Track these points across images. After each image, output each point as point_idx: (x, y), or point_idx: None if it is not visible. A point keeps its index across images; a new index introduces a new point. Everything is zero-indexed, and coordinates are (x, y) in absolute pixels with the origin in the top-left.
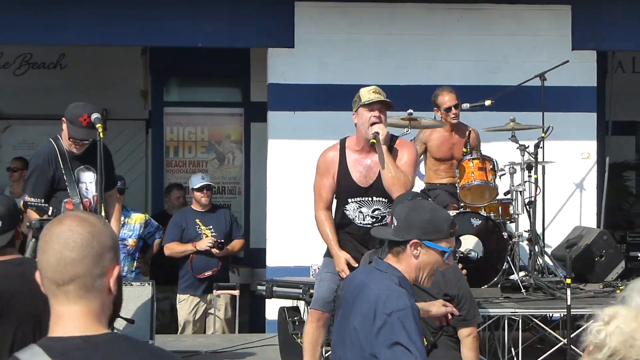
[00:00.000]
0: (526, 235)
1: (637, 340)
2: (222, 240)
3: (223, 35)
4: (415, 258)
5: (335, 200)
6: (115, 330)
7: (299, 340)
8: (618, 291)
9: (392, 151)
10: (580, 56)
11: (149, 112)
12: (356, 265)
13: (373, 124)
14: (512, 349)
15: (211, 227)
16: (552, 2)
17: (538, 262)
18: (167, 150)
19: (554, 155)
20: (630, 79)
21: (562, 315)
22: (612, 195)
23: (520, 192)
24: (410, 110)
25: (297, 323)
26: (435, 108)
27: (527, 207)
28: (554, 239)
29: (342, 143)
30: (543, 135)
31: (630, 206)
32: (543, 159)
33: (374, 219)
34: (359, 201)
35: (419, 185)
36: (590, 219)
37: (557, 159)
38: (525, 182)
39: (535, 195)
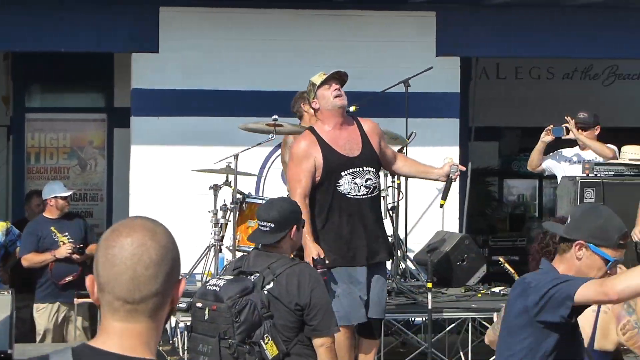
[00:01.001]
0: (389, 239)
1: None
2: (82, 245)
3: (87, 40)
4: (578, 260)
5: (322, 184)
6: None
7: (160, 348)
8: (479, 295)
9: (362, 129)
10: (444, 62)
11: (10, 118)
12: (327, 262)
13: (337, 96)
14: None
15: (67, 234)
16: (416, 8)
17: (401, 267)
18: (28, 157)
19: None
20: (494, 85)
21: (423, 319)
22: (475, 200)
23: (384, 197)
24: (275, 116)
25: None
26: (302, 104)
27: (390, 212)
28: (416, 243)
29: (312, 129)
30: (407, 141)
31: (492, 211)
32: None
33: (368, 189)
34: (352, 172)
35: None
36: (452, 224)
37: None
38: (389, 187)
39: (398, 200)
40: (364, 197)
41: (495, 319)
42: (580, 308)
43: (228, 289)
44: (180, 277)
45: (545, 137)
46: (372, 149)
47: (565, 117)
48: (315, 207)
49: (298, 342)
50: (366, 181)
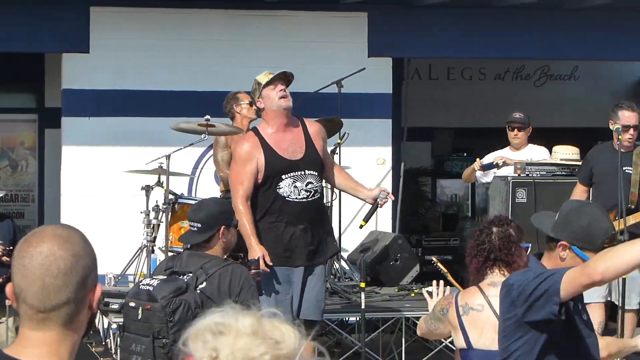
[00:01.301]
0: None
1: (253, 354)
2: (11, 248)
3: (17, 40)
4: (561, 260)
5: (263, 186)
6: None
7: (93, 349)
8: (413, 294)
9: (307, 132)
10: (376, 63)
11: None
12: (271, 263)
13: (282, 97)
14: None
15: None
16: (348, 9)
17: (334, 267)
18: None
19: (350, 161)
20: (426, 86)
21: (357, 319)
22: (408, 200)
23: None
24: (208, 117)
25: (91, 332)
26: (234, 105)
27: None
28: (350, 243)
29: (255, 131)
30: (339, 141)
31: (426, 211)
32: (340, 165)
33: (308, 193)
34: (293, 176)
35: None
36: (386, 224)
37: (353, 164)
38: (322, 187)
39: (332, 200)
40: (304, 200)
41: (430, 308)
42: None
43: (162, 288)
44: (98, 284)
45: (476, 168)
46: (316, 152)
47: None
48: (257, 209)
49: None
50: (307, 185)
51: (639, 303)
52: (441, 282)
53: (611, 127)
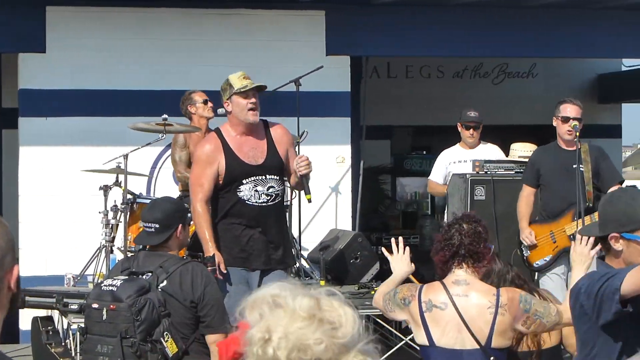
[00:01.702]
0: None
1: (307, 341)
2: None
3: None
4: (619, 254)
5: (223, 189)
6: None
7: (52, 350)
8: (373, 292)
9: (270, 136)
10: (334, 61)
11: None
12: (225, 271)
13: (251, 109)
14: None
15: None
16: (306, 7)
17: (294, 266)
18: None
19: (310, 160)
20: (385, 84)
21: None
22: (368, 198)
23: None
24: (165, 116)
25: (50, 333)
26: (189, 105)
27: None
28: (310, 242)
29: (218, 132)
30: (298, 140)
31: (385, 209)
32: None
33: (269, 197)
34: (254, 180)
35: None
36: (346, 222)
37: (313, 163)
38: (284, 191)
39: (291, 199)
40: (264, 204)
41: (391, 265)
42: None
43: (125, 288)
44: (15, 265)
45: None
46: (278, 157)
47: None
48: (217, 211)
49: (195, 339)
50: (268, 189)
51: None
52: (400, 238)
53: (554, 122)
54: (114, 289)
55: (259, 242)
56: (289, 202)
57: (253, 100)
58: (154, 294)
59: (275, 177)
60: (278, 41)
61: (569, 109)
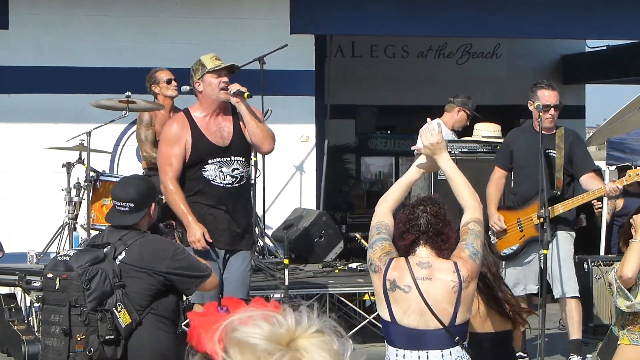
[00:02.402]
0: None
1: None
2: None
3: None
4: None
5: (189, 168)
6: None
7: (15, 328)
8: (337, 270)
9: (237, 119)
10: (298, 40)
11: None
12: (211, 240)
13: (223, 89)
14: None
15: None
16: None
17: (259, 244)
18: None
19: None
20: (349, 63)
21: (281, 295)
22: (333, 177)
23: None
24: (128, 93)
25: (13, 310)
26: (153, 85)
27: None
28: (274, 220)
29: (186, 112)
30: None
31: (350, 188)
32: None
33: (234, 178)
34: (219, 161)
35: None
36: (310, 201)
37: (276, 142)
38: (250, 173)
39: (255, 178)
40: (228, 185)
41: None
42: None
43: (78, 258)
44: None
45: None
46: (244, 140)
47: None
48: (183, 190)
49: (152, 311)
50: (233, 171)
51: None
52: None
53: (530, 107)
54: (67, 258)
55: (223, 222)
56: (253, 181)
57: (225, 79)
58: (109, 265)
59: (241, 159)
60: (241, 19)
61: (547, 95)
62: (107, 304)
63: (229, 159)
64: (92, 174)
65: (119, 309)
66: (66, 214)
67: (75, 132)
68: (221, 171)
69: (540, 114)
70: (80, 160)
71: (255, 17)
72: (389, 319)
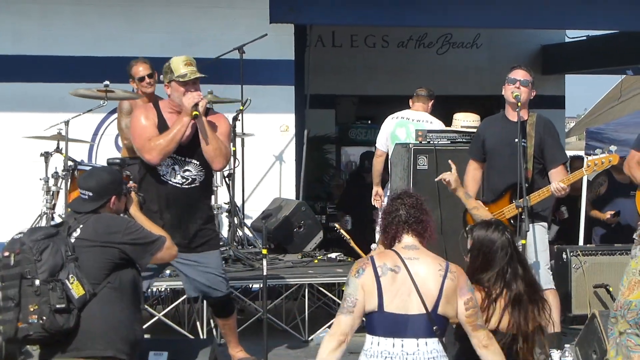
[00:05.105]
0: (226, 207)
1: None
2: None
3: None
4: None
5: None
6: None
7: None
8: (316, 261)
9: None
10: (278, 29)
11: None
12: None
13: (186, 92)
14: (212, 321)
15: None
16: None
17: (238, 234)
18: None
19: (252, 128)
20: (330, 53)
21: (260, 286)
22: (312, 167)
23: None
24: (107, 82)
25: None
26: (130, 80)
27: (227, 179)
28: (254, 210)
29: (156, 104)
30: (242, 107)
31: (330, 178)
32: (242, 132)
33: (184, 180)
34: (173, 158)
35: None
36: (290, 191)
37: (256, 131)
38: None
39: (234, 167)
40: (177, 185)
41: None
42: None
43: (31, 234)
44: None
45: None
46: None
47: None
48: (140, 169)
49: (108, 285)
50: (184, 172)
51: None
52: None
53: (503, 93)
54: (22, 235)
55: (175, 221)
56: (232, 171)
57: (191, 88)
58: (61, 239)
59: (195, 162)
60: (221, 8)
61: (515, 72)
62: (60, 275)
63: (183, 159)
64: (69, 163)
65: (71, 281)
66: (44, 203)
67: (54, 121)
68: (173, 169)
69: (513, 92)
70: (58, 150)
71: (234, 6)
72: (376, 309)
